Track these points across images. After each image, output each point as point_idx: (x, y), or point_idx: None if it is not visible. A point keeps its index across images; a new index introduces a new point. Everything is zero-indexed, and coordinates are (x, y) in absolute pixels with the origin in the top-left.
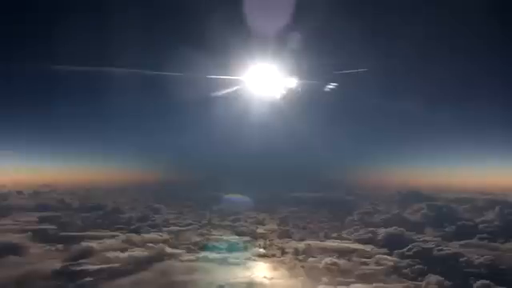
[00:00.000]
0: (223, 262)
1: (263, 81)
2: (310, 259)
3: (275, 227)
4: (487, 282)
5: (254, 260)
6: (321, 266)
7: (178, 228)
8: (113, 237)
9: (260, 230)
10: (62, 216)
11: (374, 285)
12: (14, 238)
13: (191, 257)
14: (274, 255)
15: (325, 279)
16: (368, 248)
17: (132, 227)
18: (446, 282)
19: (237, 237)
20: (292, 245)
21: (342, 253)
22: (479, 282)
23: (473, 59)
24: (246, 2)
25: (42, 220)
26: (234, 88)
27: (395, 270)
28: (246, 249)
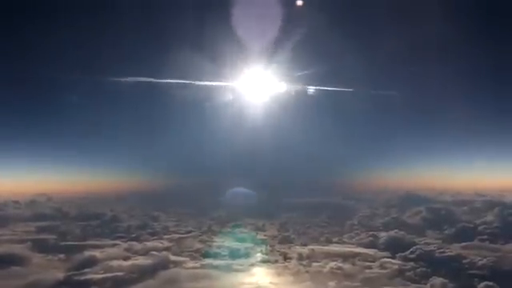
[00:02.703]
0: (228, 268)
1: (258, 86)
2: (314, 264)
3: (276, 233)
4: (491, 283)
5: (258, 266)
6: (326, 270)
7: (179, 235)
8: (114, 245)
9: (261, 236)
10: (60, 225)
11: None
12: (15, 249)
13: (195, 264)
14: (276, 261)
15: (332, 284)
16: (371, 252)
17: (132, 235)
18: (450, 285)
19: (238, 243)
20: (295, 250)
21: (345, 257)
22: (483, 284)
23: (472, 60)
24: (239, 8)
25: (40, 230)
26: (229, 94)
27: (400, 274)
28: (248, 255)
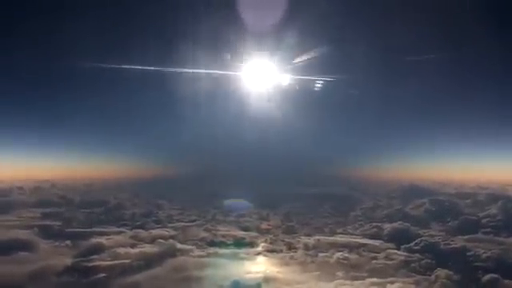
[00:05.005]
0: (234, 257)
1: (262, 77)
2: (321, 254)
3: (279, 223)
4: (496, 276)
5: (264, 255)
6: (332, 260)
7: (183, 224)
8: (119, 233)
9: (265, 226)
10: (65, 212)
11: (388, 279)
12: (21, 234)
13: (202, 252)
14: (281, 250)
15: (339, 274)
16: (376, 243)
17: (137, 223)
18: (455, 277)
19: (243, 232)
20: (300, 240)
21: (351, 248)
22: (488, 276)
23: (472, 54)
24: None
25: (45, 216)
26: (234, 84)
27: (405, 265)
28: (253, 244)
